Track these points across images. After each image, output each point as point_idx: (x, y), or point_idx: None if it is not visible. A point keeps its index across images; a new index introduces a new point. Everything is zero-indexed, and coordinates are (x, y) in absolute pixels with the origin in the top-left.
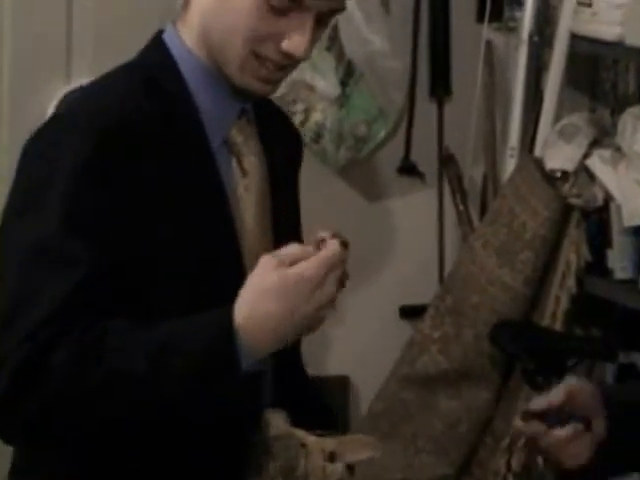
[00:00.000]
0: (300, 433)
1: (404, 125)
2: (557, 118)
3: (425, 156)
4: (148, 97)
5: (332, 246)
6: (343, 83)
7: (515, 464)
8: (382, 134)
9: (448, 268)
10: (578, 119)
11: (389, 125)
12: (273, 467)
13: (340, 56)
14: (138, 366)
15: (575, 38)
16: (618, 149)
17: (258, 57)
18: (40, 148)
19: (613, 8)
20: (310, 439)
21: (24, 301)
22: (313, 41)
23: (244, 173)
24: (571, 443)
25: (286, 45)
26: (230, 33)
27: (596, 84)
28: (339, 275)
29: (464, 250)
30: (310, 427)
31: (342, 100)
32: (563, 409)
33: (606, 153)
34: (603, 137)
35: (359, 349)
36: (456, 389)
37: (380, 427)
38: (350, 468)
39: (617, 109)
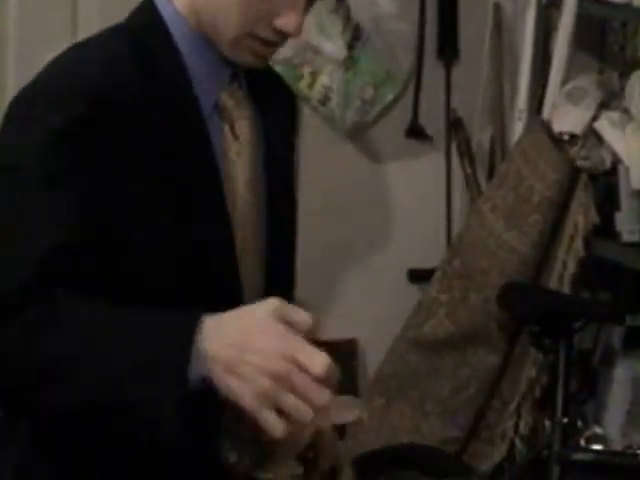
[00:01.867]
0: None
1: (412, 88)
2: (565, 81)
3: (433, 119)
4: (136, 60)
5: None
6: (350, 46)
7: (523, 427)
8: (389, 97)
9: (456, 231)
10: (586, 82)
11: (396, 88)
12: (240, 434)
13: (347, 19)
14: (76, 349)
15: (583, 0)
16: (626, 111)
17: (251, 36)
18: (21, 113)
19: None
20: None
21: (4, 260)
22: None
23: (236, 138)
24: None
25: (280, 24)
26: (223, 13)
27: (604, 46)
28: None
29: (472, 214)
30: None
31: (349, 63)
32: None
33: (614, 116)
34: (611, 100)
35: (367, 313)
36: (463, 352)
37: (388, 390)
38: (339, 429)
39: (625, 71)
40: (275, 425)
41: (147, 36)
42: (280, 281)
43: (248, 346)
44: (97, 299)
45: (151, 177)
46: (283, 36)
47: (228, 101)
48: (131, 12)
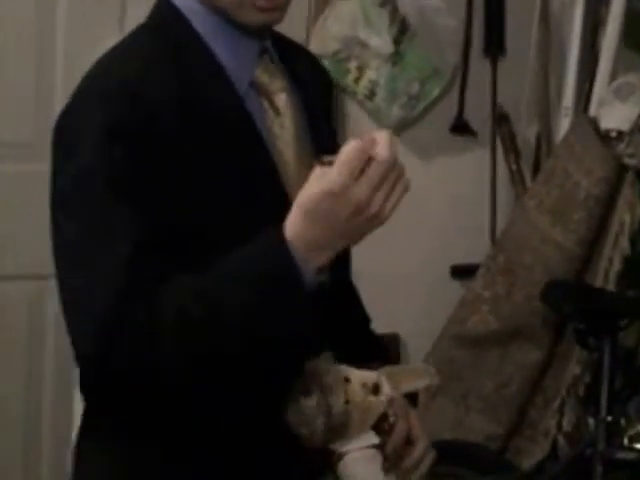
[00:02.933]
0: (342, 368)
1: (458, 83)
2: (613, 77)
3: (478, 115)
4: (166, 57)
5: (378, 167)
6: (397, 41)
7: (566, 424)
8: (435, 92)
9: (500, 228)
10: (634, 78)
11: (443, 83)
12: (311, 405)
13: (394, 13)
14: (198, 314)
15: None
16: None
17: None
18: (67, 134)
19: None
20: (354, 372)
21: (89, 290)
22: None
23: (277, 112)
24: None
25: None
26: None
27: None
28: (388, 189)
29: (517, 210)
30: (363, 359)
31: (396, 58)
32: None
33: None
34: None
35: (410, 308)
36: (507, 349)
37: None
38: (411, 398)
39: None
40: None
41: (170, 31)
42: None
43: (329, 215)
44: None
45: (205, 169)
46: None
47: (263, 76)
48: (150, 12)
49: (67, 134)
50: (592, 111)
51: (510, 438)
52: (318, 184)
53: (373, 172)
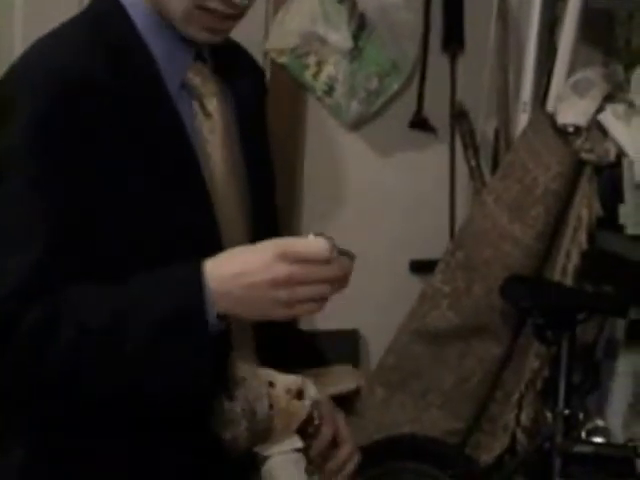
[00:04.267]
0: (267, 372)
1: (417, 79)
2: (570, 73)
3: (437, 110)
4: (100, 48)
5: (324, 244)
6: (355, 36)
7: (524, 419)
8: (394, 87)
9: (459, 223)
10: (592, 74)
11: (401, 79)
12: (236, 410)
13: (353, 9)
14: (104, 321)
15: None
16: (631, 104)
17: (200, 8)
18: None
19: None
20: (278, 377)
21: None
22: None
23: (207, 115)
24: None
25: None
26: None
27: (610, 39)
28: (310, 286)
29: (476, 205)
30: (293, 363)
31: (354, 53)
32: None
33: (619, 108)
34: (616, 92)
35: (370, 303)
36: (466, 344)
37: (390, 381)
38: (338, 401)
39: (631, 64)
40: (312, 307)
41: (109, 22)
42: None
43: (247, 269)
44: (90, 284)
45: (126, 163)
46: (233, 7)
47: (195, 79)
48: (91, 0)
49: None
50: (550, 106)
51: (470, 433)
52: (269, 246)
53: (307, 271)
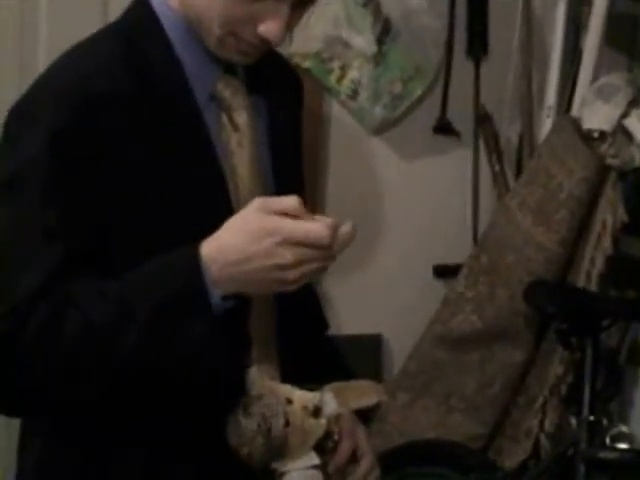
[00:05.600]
0: (285, 388)
1: (440, 83)
2: (595, 78)
3: (461, 115)
4: (129, 58)
5: (324, 229)
6: (380, 40)
7: (548, 424)
8: (418, 92)
9: (483, 228)
10: (616, 79)
11: (425, 83)
12: (251, 426)
13: (377, 13)
14: (105, 315)
15: None
16: None
17: (235, 36)
18: (17, 122)
19: None
20: (296, 394)
21: (8, 277)
22: (289, 27)
23: (235, 128)
24: None
25: (262, 30)
26: (206, 14)
27: (634, 43)
28: (314, 262)
29: (499, 210)
30: (317, 376)
31: (378, 58)
32: None
33: None
34: None
35: (393, 308)
36: (489, 349)
37: (413, 386)
38: (361, 414)
39: None
40: (317, 275)
41: (140, 32)
42: None
43: (251, 256)
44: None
45: (151, 175)
46: (265, 42)
47: (224, 91)
48: (125, 8)
49: (17, 123)
50: (574, 111)
51: (493, 438)
52: (263, 216)
53: (310, 251)
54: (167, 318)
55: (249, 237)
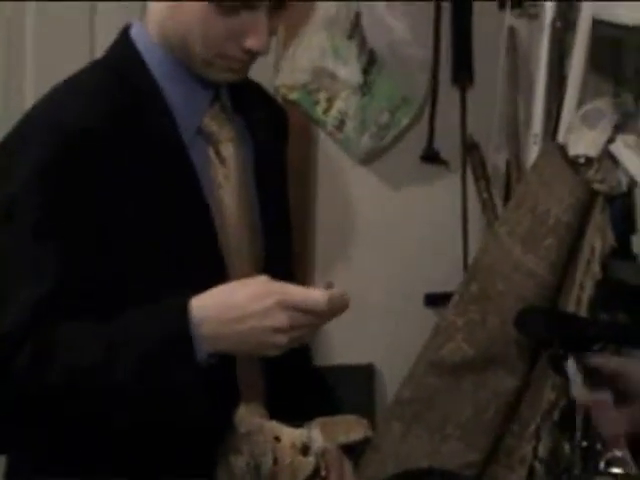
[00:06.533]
0: (273, 426)
1: (427, 112)
2: (580, 103)
3: (448, 143)
4: (115, 96)
5: (322, 296)
6: (365, 71)
7: (541, 450)
8: (405, 121)
9: (472, 255)
10: (602, 104)
11: (412, 112)
12: (241, 465)
13: (362, 44)
14: (91, 359)
15: (598, 23)
16: None
17: (222, 56)
18: (5, 157)
19: None
20: (284, 431)
21: None
22: (271, 33)
23: (222, 161)
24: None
25: (248, 44)
26: (189, 38)
27: (619, 69)
28: (305, 329)
29: (489, 237)
30: (306, 412)
31: (365, 88)
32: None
33: (630, 138)
34: (627, 122)
35: (385, 337)
36: (482, 376)
37: (406, 415)
38: (347, 449)
39: None
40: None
41: (124, 69)
42: None
43: (245, 315)
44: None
45: (137, 210)
46: (252, 54)
47: (212, 124)
48: (109, 46)
49: (6, 157)
50: (561, 138)
51: (487, 465)
52: (261, 283)
53: (305, 317)
54: (152, 367)
55: (249, 296)
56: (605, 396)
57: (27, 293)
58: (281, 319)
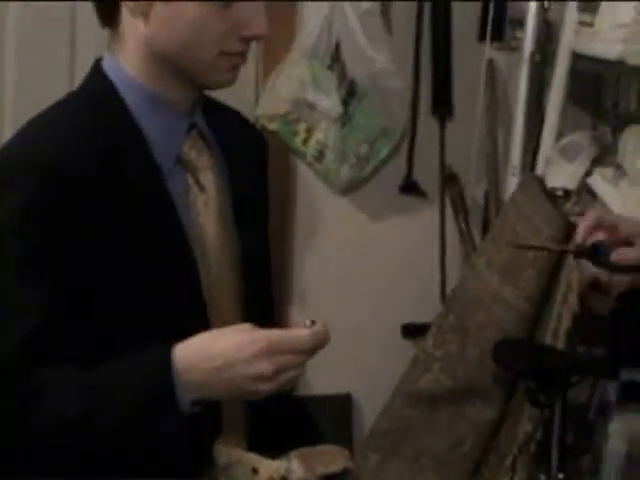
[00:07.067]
0: (252, 458)
1: (406, 144)
2: (559, 136)
3: (427, 175)
4: (93, 134)
5: (306, 334)
6: (345, 102)
7: None
8: (384, 153)
9: (450, 287)
10: (580, 137)
11: (391, 144)
12: None
13: (342, 75)
14: (76, 410)
15: (577, 57)
16: (619, 167)
17: (225, 54)
18: None
19: (615, 27)
20: (263, 463)
21: None
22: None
23: (201, 189)
24: None
25: (250, 33)
26: (192, 44)
27: (598, 102)
28: (291, 370)
29: (467, 268)
30: (284, 441)
31: (344, 119)
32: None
33: (608, 171)
34: (605, 155)
35: (362, 368)
36: (460, 407)
37: (383, 446)
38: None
39: (619, 127)
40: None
41: (100, 104)
42: None
43: (229, 363)
44: (73, 364)
45: (116, 247)
46: (255, 40)
47: (190, 152)
48: (82, 80)
49: None
50: (539, 170)
51: None
52: (245, 332)
53: (290, 358)
54: (135, 418)
55: (234, 345)
56: None
57: (13, 328)
58: (265, 367)
